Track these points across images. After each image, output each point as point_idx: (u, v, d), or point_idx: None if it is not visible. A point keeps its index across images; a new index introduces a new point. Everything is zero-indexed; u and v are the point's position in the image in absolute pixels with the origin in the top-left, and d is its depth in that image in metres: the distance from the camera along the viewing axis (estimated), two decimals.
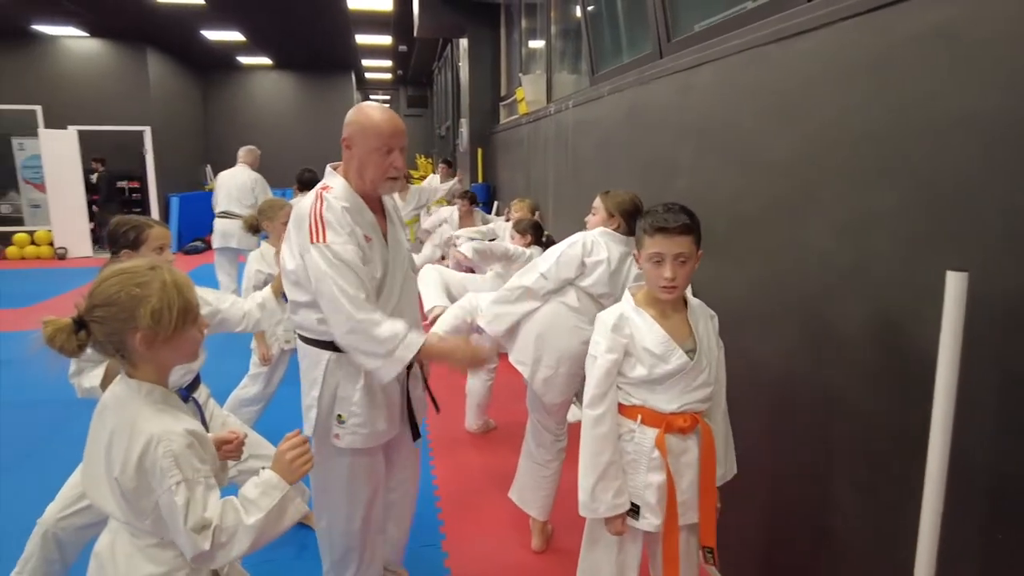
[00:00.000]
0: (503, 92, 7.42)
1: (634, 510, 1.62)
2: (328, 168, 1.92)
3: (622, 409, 1.66)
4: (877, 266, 1.54)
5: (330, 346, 1.84)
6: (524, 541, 2.58)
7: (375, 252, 1.83)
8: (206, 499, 1.21)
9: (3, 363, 4.85)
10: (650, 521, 1.62)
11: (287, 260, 1.84)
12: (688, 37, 2.62)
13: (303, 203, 1.84)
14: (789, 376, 1.90)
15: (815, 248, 1.76)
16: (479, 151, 7.40)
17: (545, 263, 2.38)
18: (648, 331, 1.61)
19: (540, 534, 2.56)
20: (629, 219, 2.32)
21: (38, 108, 10.06)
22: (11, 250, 9.97)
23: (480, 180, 7.31)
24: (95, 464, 1.26)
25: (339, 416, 1.86)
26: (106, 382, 1.35)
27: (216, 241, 5.82)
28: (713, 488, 1.67)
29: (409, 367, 1.92)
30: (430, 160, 13.78)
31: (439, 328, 2.28)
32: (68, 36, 10.10)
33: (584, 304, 2.35)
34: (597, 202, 2.43)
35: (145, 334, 1.20)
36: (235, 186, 5.78)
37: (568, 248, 2.35)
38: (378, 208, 1.92)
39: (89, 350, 1.26)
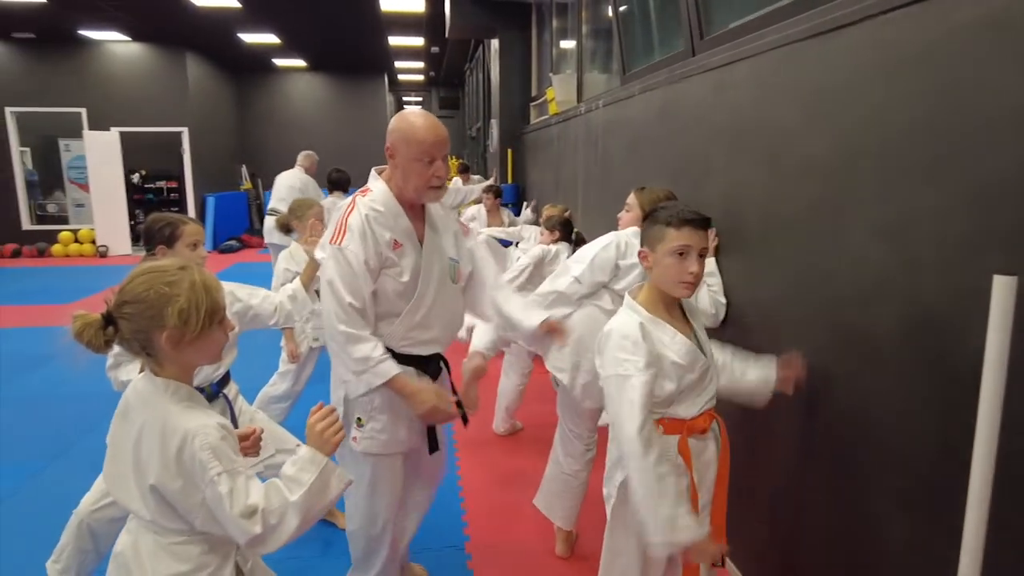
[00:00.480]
0: (533, 93, 7.40)
1: None
2: (373, 172, 1.93)
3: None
4: (917, 269, 1.47)
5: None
6: (548, 545, 2.56)
7: (405, 258, 1.82)
8: (248, 486, 1.22)
9: (47, 357, 5.00)
10: None
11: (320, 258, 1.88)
12: (722, 34, 2.56)
13: (343, 205, 1.86)
14: (824, 379, 1.83)
15: (851, 250, 1.70)
16: (509, 152, 7.38)
17: (579, 266, 2.34)
18: (671, 341, 1.55)
19: (564, 541, 2.53)
20: None
21: (83, 110, 10.39)
22: (56, 248, 10.31)
23: (510, 180, 7.30)
24: (120, 463, 1.28)
25: (358, 419, 1.86)
26: None
27: (265, 237, 6.14)
28: (726, 484, 1.64)
29: (435, 378, 1.92)
30: (460, 162, 13.86)
31: (477, 342, 2.27)
32: (112, 40, 10.39)
33: (619, 306, 2.30)
34: (631, 199, 2.38)
35: (171, 333, 1.21)
36: (284, 186, 6.03)
37: (602, 251, 2.31)
38: (419, 215, 1.91)
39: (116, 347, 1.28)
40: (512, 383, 3.51)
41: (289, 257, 3.25)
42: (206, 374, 2.08)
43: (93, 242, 10.31)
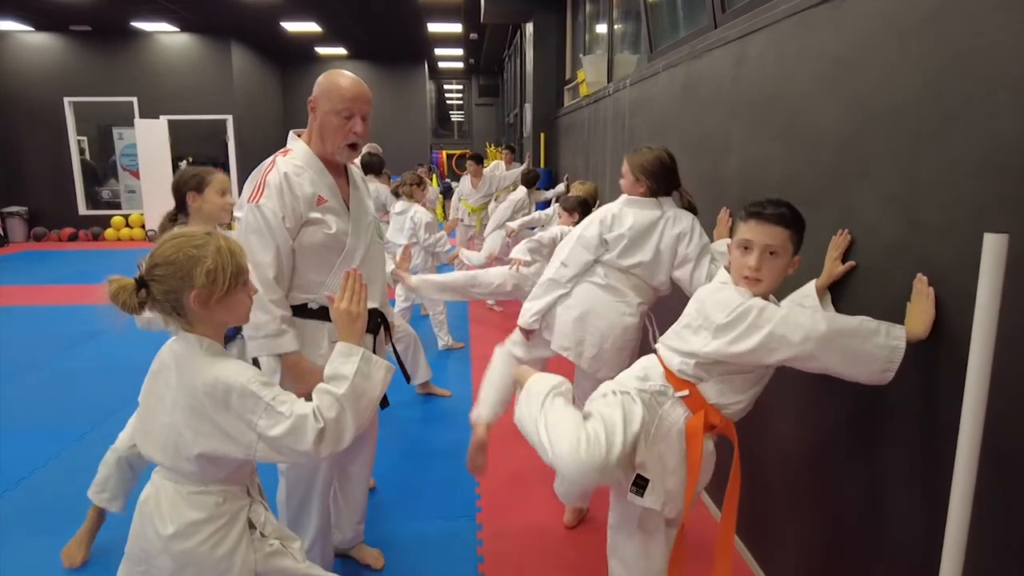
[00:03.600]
0: (567, 76, 7.35)
1: (640, 485, 1.52)
2: (291, 134, 1.94)
3: (671, 377, 1.57)
4: (925, 235, 1.43)
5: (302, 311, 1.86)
6: (556, 517, 2.58)
7: (328, 213, 1.84)
8: (294, 402, 1.30)
9: (96, 333, 5.25)
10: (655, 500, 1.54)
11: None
12: (742, 6, 2.51)
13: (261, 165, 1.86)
14: None
15: (863, 218, 1.66)
16: (542, 135, 7.37)
17: (565, 250, 2.36)
18: None
19: (572, 511, 2.55)
20: (653, 179, 2.26)
21: (135, 99, 10.79)
22: (109, 232, 10.77)
23: (543, 165, 7.28)
24: (150, 418, 1.35)
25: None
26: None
27: None
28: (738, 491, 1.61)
29: (374, 333, 1.96)
30: (499, 149, 13.88)
31: (483, 409, 2.36)
32: (162, 32, 10.74)
33: (614, 278, 2.31)
34: (624, 164, 2.36)
35: (199, 293, 1.27)
36: None
37: (585, 231, 2.33)
38: (341, 173, 1.94)
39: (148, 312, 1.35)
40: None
41: None
42: None
43: (143, 226, 10.73)
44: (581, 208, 3.48)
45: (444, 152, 16.29)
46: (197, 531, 1.32)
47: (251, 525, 1.41)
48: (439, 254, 4.79)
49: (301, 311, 1.85)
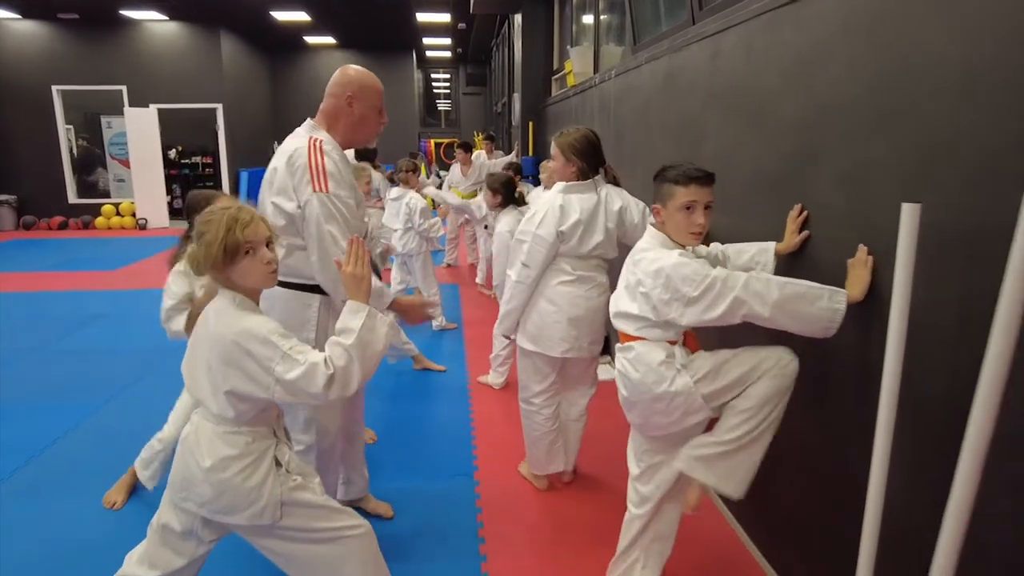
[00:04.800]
0: (555, 66, 7.53)
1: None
2: (309, 122, 2.03)
3: (671, 342, 1.81)
4: (871, 212, 1.65)
5: (318, 289, 2.00)
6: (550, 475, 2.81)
7: (355, 199, 2.02)
8: (307, 352, 1.51)
9: (98, 316, 5.40)
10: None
11: (285, 204, 1.91)
12: (718, 3, 2.72)
13: (294, 150, 1.91)
14: None
15: (819, 198, 1.88)
16: (531, 125, 7.55)
17: (522, 251, 2.42)
18: None
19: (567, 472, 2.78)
20: (583, 157, 2.39)
21: (124, 88, 10.81)
22: (99, 220, 10.82)
23: (531, 153, 7.47)
24: (195, 361, 1.57)
25: None
26: (189, 326, 1.65)
27: None
28: None
29: None
30: (482, 135, 14.03)
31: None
32: (150, 20, 10.76)
33: (580, 268, 2.43)
34: (552, 147, 2.47)
35: (206, 260, 1.50)
36: None
37: (539, 229, 2.37)
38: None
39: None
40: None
41: None
42: None
43: (133, 215, 10.79)
44: (505, 189, 3.62)
45: (432, 141, 16.40)
46: (231, 465, 1.53)
47: (277, 462, 1.61)
48: (433, 239, 4.98)
49: (321, 289, 2.00)
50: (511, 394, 3.72)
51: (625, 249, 2.43)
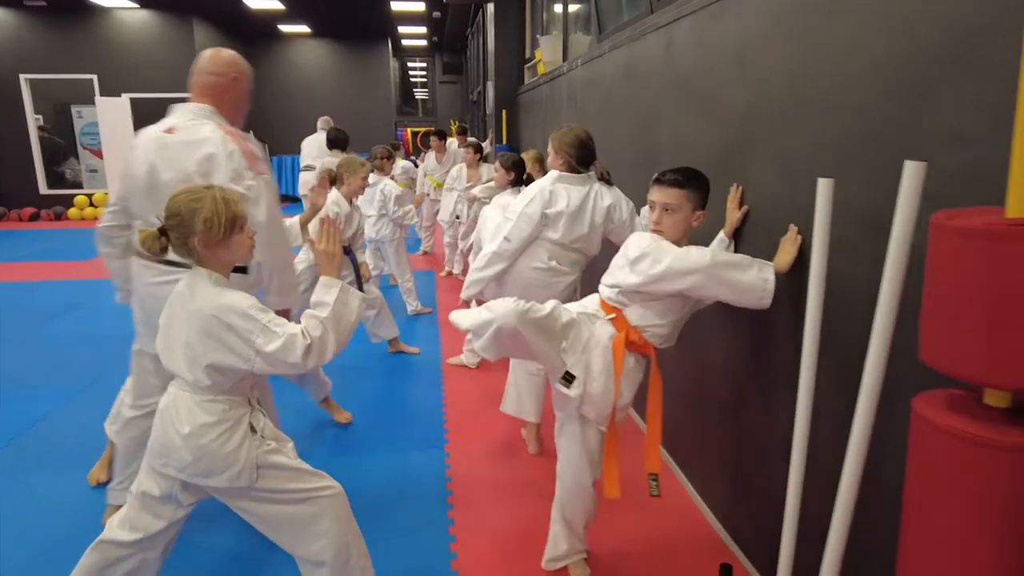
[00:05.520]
0: (528, 55, 7.62)
1: (568, 379, 1.85)
2: (199, 107, 2.09)
3: (604, 304, 1.94)
4: (797, 190, 1.80)
5: (243, 270, 2.09)
6: (517, 447, 2.95)
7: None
8: (284, 325, 1.61)
9: (73, 305, 5.43)
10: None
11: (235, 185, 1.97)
12: None
13: (208, 136, 2.00)
14: None
15: (756, 178, 2.03)
16: (504, 113, 7.64)
17: (508, 225, 2.58)
18: None
19: (535, 439, 2.91)
20: (576, 153, 2.56)
21: (94, 77, 10.68)
22: (72, 211, 10.71)
23: (504, 141, 7.56)
24: (171, 337, 1.66)
25: None
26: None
27: (301, 189, 7.06)
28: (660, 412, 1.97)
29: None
30: (457, 124, 14.04)
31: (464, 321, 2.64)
32: (120, 8, 10.61)
33: (557, 258, 2.57)
34: (549, 144, 2.67)
35: (201, 237, 1.58)
36: (315, 146, 7.13)
37: (527, 207, 2.54)
38: None
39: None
40: None
41: (336, 201, 3.64)
42: None
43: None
44: (516, 169, 3.75)
45: (408, 130, 16.39)
46: (208, 431, 1.63)
47: (252, 429, 1.72)
48: (407, 226, 5.08)
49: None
50: (483, 373, 3.86)
51: (609, 248, 2.58)
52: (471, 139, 6.60)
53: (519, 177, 3.86)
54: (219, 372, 1.62)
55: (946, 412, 0.95)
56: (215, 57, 2.14)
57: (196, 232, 1.57)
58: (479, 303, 2.71)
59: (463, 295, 2.75)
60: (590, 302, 2.00)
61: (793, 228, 1.80)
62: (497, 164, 3.92)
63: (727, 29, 2.21)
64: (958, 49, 1.24)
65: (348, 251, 3.66)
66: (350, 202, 3.65)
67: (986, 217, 0.89)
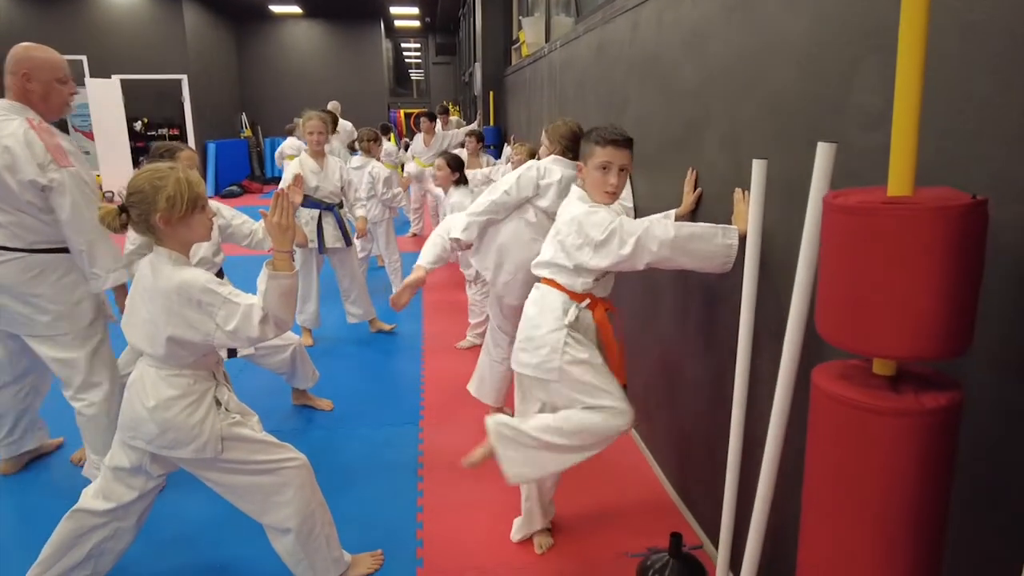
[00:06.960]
0: (514, 37, 7.61)
1: None
2: (9, 104, 2.18)
3: (573, 296, 1.94)
4: (742, 169, 1.85)
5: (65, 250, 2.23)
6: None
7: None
8: (242, 296, 1.66)
9: None
10: None
11: (38, 176, 2.12)
12: None
13: (12, 131, 2.10)
14: None
15: (707, 157, 2.08)
16: (491, 94, 7.65)
17: (507, 182, 2.72)
18: None
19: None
20: (569, 144, 2.64)
21: (84, 58, 10.63)
22: None
23: (491, 123, 7.58)
24: (135, 315, 1.73)
25: None
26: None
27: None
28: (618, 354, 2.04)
29: None
30: (457, 107, 13.97)
31: (424, 259, 2.66)
32: None
33: (540, 220, 2.70)
34: (543, 135, 2.76)
35: (163, 214, 1.63)
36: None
37: (526, 171, 2.70)
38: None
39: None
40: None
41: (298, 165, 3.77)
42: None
43: (100, 187, 10.72)
44: (461, 169, 4.04)
45: (402, 111, 16.34)
46: (174, 404, 1.71)
47: (217, 402, 1.79)
48: (395, 208, 5.14)
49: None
50: (464, 352, 3.94)
51: None
52: (473, 127, 6.61)
53: (463, 177, 4.07)
54: (180, 346, 1.68)
55: (836, 380, 1.02)
56: (9, 57, 2.21)
57: (158, 210, 1.62)
58: (463, 247, 2.80)
59: (463, 236, 2.71)
60: (556, 304, 1.96)
61: (738, 191, 1.85)
62: (440, 162, 4.01)
63: (684, 12, 2.25)
64: (875, 29, 1.29)
65: (331, 208, 3.85)
66: (320, 160, 3.84)
67: (866, 195, 0.95)
